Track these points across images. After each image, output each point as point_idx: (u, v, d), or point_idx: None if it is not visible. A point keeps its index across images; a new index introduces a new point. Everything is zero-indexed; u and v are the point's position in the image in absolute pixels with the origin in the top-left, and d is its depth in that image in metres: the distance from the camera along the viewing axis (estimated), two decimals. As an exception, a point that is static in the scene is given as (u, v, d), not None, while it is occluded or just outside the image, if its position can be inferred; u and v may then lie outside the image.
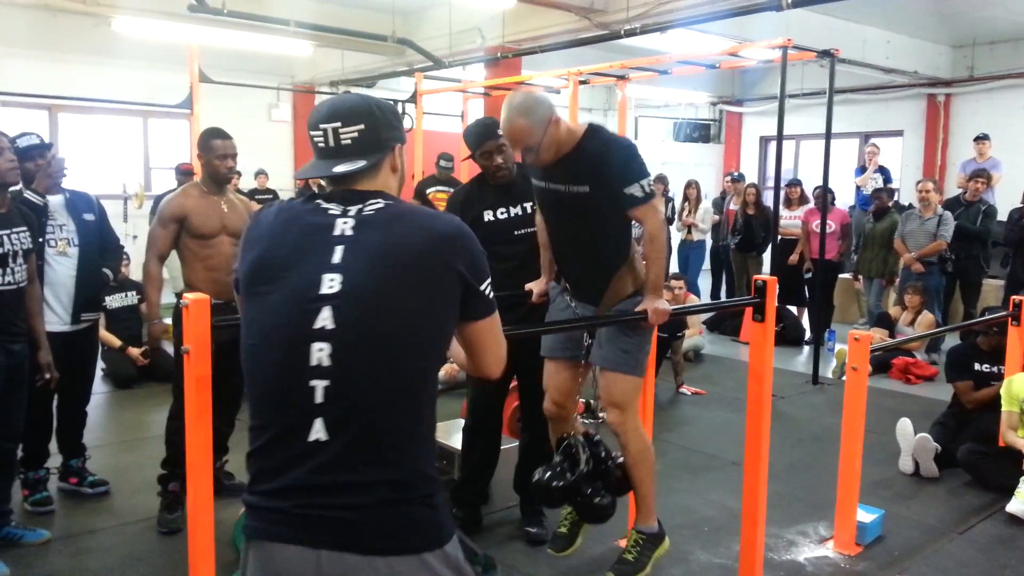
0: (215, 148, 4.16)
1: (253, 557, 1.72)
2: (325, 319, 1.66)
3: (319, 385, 1.65)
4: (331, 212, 1.75)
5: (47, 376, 3.89)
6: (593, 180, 3.09)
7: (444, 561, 1.72)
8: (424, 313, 1.71)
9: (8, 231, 3.63)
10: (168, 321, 4.64)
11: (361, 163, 1.79)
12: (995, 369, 5.30)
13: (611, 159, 3.08)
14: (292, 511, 1.65)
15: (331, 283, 1.67)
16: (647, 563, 3.38)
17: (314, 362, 1.65)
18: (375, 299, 1.67)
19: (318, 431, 1.65)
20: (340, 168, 1.78)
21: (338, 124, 1.80)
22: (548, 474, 3.28)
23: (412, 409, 1.72)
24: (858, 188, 10.91)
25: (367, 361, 1.66)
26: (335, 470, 1.65)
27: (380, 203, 1.77)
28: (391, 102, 2.01)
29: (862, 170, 11.05)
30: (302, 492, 1.65)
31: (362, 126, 1.80)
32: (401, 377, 1.69)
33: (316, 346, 1.65)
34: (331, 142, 1.80)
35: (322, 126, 1.81)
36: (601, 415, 3.42)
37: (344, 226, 1.72)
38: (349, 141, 1.80)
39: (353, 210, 1.75)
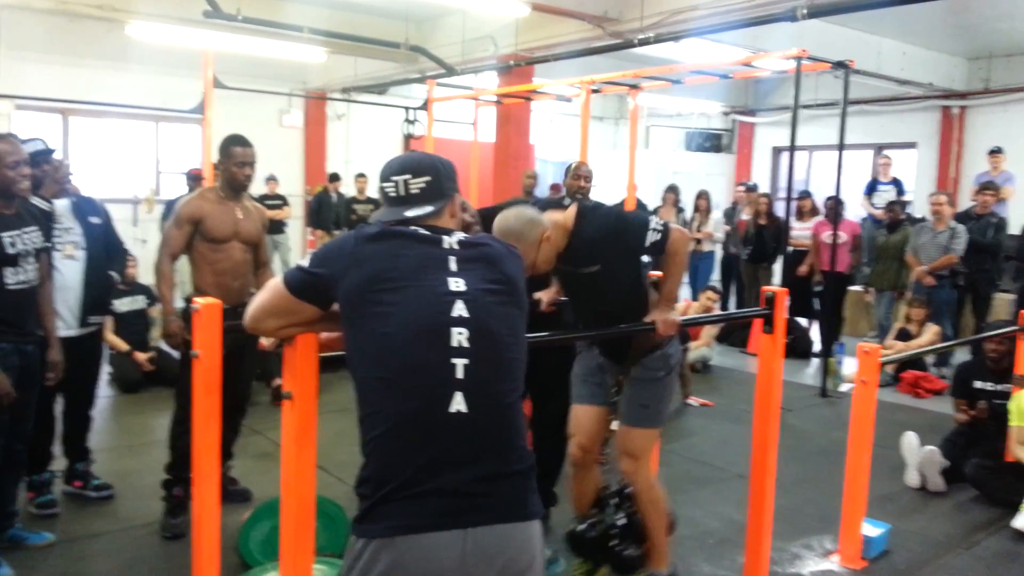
0: (234, 155, 4.17)
1: (385, 555, 1.85)
2: (461, 309, 1.97)
3: (459, 363, 1.93)
4: (434, 235, 2.07)
5: (53, 376, 3.89)
6: (601, 260, 3.16)
7: (541, 530, 2.05)
8: (516, 315, 2.08)
9: (18, 231, 3.63)
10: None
11: (429, 208, 2.12)
12: (1000, 387, 5.24)
13: (613, 238, 3.15)
14: (437, 495, 1.86)
15: (456, 283, 2.00)
16: None
17: (455, 343, 1.94)
18: (488, 297, 2.02)
19: (459, 403, 1.91)
20: (411, 212, 2.10)
21: (408, 176, 2.14)
22: (582, 526, 3.44)
23: (516, 389, 2.03)
24: (872, 203, 10.84)
25: (491, 345, 1.98)
26: (474, 440, 1.91)
27: (460, 234, 2.12)
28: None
29: (873, 183, 11.00)
30: (446, 468, 1.88)
31: (429, 177, 2.14)
32: (511, 358, 2.03)
33: (456, 330, 1.95)
34: (402, 191, 2.14)
35: (394, 178, 2.15)
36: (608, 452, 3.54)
37: (450, 243, 2.07)
38: (418, 191, 2.13)
39: (449, 235, 2.09)
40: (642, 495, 3.40)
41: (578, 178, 5.66)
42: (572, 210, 3.18)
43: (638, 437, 3.37)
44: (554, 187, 12.76)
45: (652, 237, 3.12)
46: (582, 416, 3.50)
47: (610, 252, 3.15)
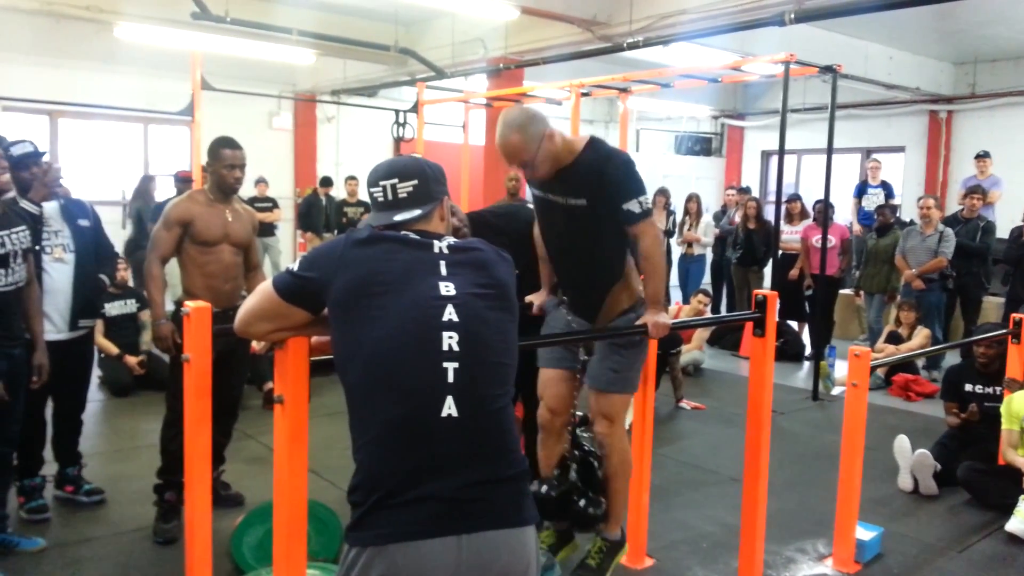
0: (224, 157, 4.15)
1: (378, 564, 1.84)
2: (451, 313, 1.96)
3: (450, 367, 1.92)
4: (424, 240, 2.07)
5: (38, 379, 3.86)
6: (590, 193, 3.11)
7: (536, 536, 2.03)
8: (507, 319, 2.07)
9: (7, 232, 3.61)
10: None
11: (417, 212, 2.13)
12: (990, 390, 5.27)
13: (609, 173, 3.10)
14: (430, 502, 1.85)
15: (447, 288, 1.99)
16: (608, 568, 3.49)
17: (446, 347, 1.93)
18: (478, 302, 2.01)
19: (450, 407, 1.90)
20: (399, 217, 2.12)
21: (395, 180, 2.14)
22: (543, 487, 3.36)
23: (507, 393, 2.02)
24: (861, 206, 10.91)
25: (481, 349, 1.97)
26: (466, 445, 1.90)
27: (450, 238, 2.12)
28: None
29: (862, 186, 11.06)
30: (439, 473, 1.87)
31: (416, 181, 2.14)
32: (501, 362, 2.02)
33: (447, 334, 1.94)
34: (389, 196, 2.14)
35: (381, 183, 2.15)
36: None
37: (440, 247, 2.07)
38: (405, 194, 2.14)
39: (439, 239, 2.09)
40: (613, 457, 3.39)
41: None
42: (585, 138, 3.17)
43: (611, 402, 3.34)
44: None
45: (631, 206, 3.08)
46: (550, 379, 3.47)
47: (598, 190, 3.10)
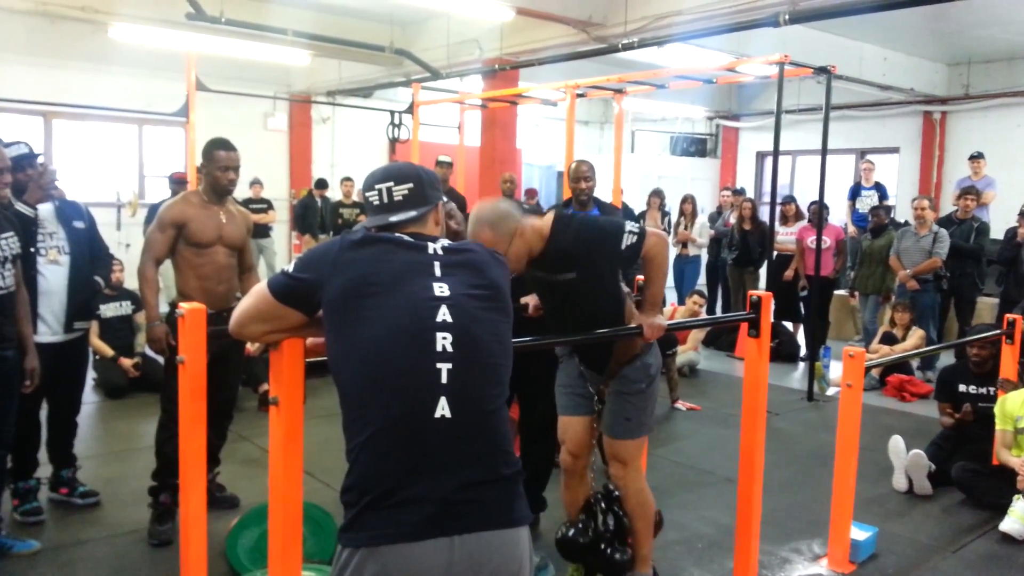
0: (218, 159, 4.14)
1: (371, 565, 1.84)
2: (444, 314, 1.96)
3: (444, 368, 1.92)
4: (418, 242, 2.08)
5: (30, 383, 3.85)
6: (577, 267, 3.14)
7: (529, 536, 2.03)
8: (501, 320, 2.08)
9: None
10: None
11: (412, 213, 2.15)
12: (984, 391, 5.30)
13: (588, 243, 3.12)
14: (423, 503, 1.85)
15: (441, 289, 2.00)
16: None
17: (439, 348, 1.93)
18: (472, 302, 2.02)
19: (443, 408, 1.90)
20: (394, 218, 2.14)
21: (391, 184, 2.17)
22: (572, 531, 3.41)
23: (501, 394, 2.02)
24: (855, 208, 10.94)
25: (475, 349, 1.97)
26: (459, 446, 1.90)
27: (445, 240, 2.14)
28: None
29: (856, 188, 11.09)
30: (431, 474, 1.87)
31: (411, 184, 2.17)
32: (495, 363, 2.02)
33: (440, 334, 1.94)
34: (385, 199, 2.17)
35: (377, 186, 2.18)
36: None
37: (434, 248, 2.08)
38: (400, 197, 2.16)
39: (433, 241, 2.10)
40: (630, 499, 3.42)
41: (577, 180, 5.68)
42: (549, 217, 3.16)
43: (624, 446, 3.38)
44: (529, 192, 12.75)
45: (628, 240, 3.10)
46: (570, 425, 3.51)
47: (586, 259, 3.13)
